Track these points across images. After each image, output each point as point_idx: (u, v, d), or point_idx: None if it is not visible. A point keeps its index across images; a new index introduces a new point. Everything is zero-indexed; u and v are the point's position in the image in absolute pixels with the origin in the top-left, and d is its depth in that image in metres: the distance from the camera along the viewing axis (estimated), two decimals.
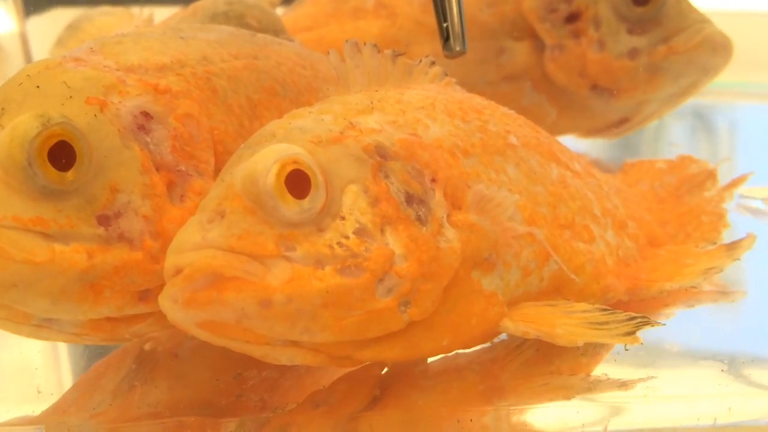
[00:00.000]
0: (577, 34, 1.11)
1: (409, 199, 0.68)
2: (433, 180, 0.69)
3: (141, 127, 0.69)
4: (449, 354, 0.73)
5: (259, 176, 0.62)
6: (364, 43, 0.75)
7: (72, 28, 1.22)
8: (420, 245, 0.66)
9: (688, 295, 0.83)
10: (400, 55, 0.77)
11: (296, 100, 0.81)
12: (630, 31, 1.10)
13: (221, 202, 0.64)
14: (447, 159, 0.71)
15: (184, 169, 0.69)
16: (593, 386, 0.71)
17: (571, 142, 1.19)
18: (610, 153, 1.34)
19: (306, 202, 0.63)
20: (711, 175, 0.96)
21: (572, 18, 1.11)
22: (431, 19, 1.14)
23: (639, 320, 0.71)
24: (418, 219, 0.67)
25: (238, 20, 0.92)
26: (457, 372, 0.74)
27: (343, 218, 0.65)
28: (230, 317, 0.61)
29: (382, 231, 0.65)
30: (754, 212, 1.06)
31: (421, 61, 0.80)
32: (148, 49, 0.74)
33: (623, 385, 0.71)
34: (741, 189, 1.08)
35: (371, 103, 0.72)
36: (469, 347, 0.74)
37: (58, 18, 1.32)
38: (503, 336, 0.75)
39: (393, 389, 0.72)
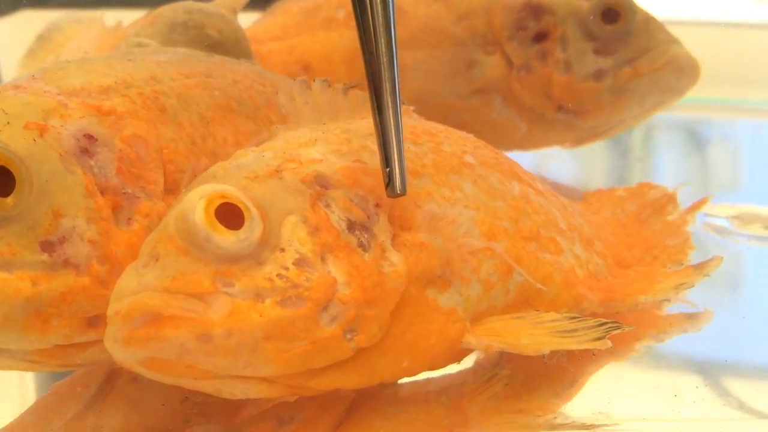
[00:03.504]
0: (543, 55, 1.10)
1: (351, 226, 0.68)
2: (377, 205, 0.69)
3: (84, 151, 0.68)
4: (420, 380, 0.73)
5: (187, 213, 0.62)
6: (314, 80, 0.75)
7: (42, 39, 1.22)
8: (362, 271, 0.66)
9: (657, 328, 0.83)
10: (351, 87, 0.78)
11: (254, 115, 0.81)
12: (597, 52, 1.10)
13: (155, 246, 0.64)
14: None
15: (130, 191, 0.69)
16: (557, 428, 0.70)
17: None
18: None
19: (241, 233, 0.63)
20: (671, 199, 0.96)
21: (540, 37, 1.11)
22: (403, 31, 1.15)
23: (609, 325, 0.70)
24: (360, 245, 0.67)
25: (198, 30, 0.91)
26: (425, 404, 0.73)
27: (282, 250, 0.65)
28: (171, 353, 0.61)
29: (323, 259, 0.65)
30: (720, 231, 1.06)
31: None
32: (92, 72, 0.73)
33: (588, 428, 0.71)
34: (707, 207, 1.09)
35: (316, 135, 0.72)
36: (436, 368, 0.73)
37: (25, 20, 1.30)
38: (475, 357, 0.74)
39: (358, 414, 0.71)
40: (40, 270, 0.64)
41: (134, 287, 0.62)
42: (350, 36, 1.15)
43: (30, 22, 1.23)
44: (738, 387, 0.78)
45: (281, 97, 0.74)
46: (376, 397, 0.73)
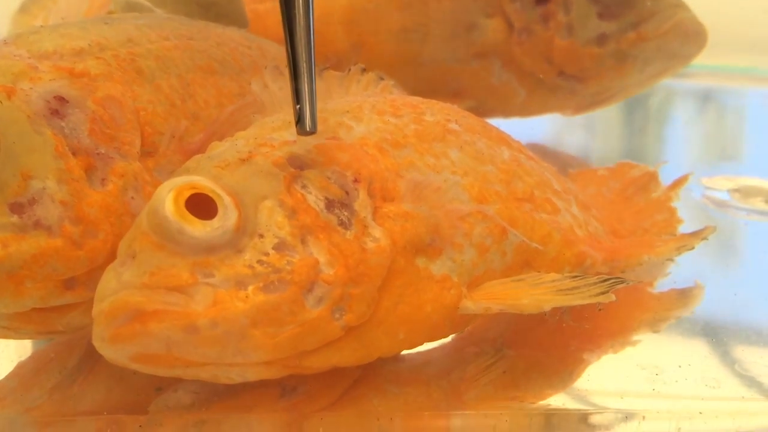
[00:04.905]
0: (546, 18, 1.08)
1: (330, 205, 0.67)
2: (356, 180, 0.68)
3: (55, 112, 0.67)
4: (421, 355, 0.73)
5: (157, 207, 0.62)
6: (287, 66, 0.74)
7: None
8: (344, 250, 0.65)
9: (653, 313, 0.83)
10: (326, 69, 0.76)
11: (237, 77, 0.80)
12: (600, 16, 1.07)
13: (131, 244, 0.64)
14: (373, 155, 0.70)
15: (104, 151, 0.68)
16: (549, 415, 0.70)
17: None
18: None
19: (215, 222, 0.63)
20: (653, 177, 0.95)
21: (542, 0, 1.08)
22: None
23: (613, 280, 0.69)
24: (341, 224, 0.66)
25: None
26: (425, 386, 0.74)
27: (261, 236, 0.64)
28: (158, 347, 0.61)
29: (304, 242, 0.65)
30: (720, 204, 1.05)
31: (350, 70, 0.79)
32: (65, 36, 0.73)
33: (582, 419, 0.70)
34: (708, 180, 1.07)
35: (290, 118, 0.71)
36: (438, 337, 0.73)
37: None
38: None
39: (358, 390, 0.71)
40: (10, 232, 0.64)
41: (114, 286, 0.62)
42: None
43: None
44: (723, 365, 0.77)
45: (254, 87, 0.74)
46: (378, 373, 0.73)
